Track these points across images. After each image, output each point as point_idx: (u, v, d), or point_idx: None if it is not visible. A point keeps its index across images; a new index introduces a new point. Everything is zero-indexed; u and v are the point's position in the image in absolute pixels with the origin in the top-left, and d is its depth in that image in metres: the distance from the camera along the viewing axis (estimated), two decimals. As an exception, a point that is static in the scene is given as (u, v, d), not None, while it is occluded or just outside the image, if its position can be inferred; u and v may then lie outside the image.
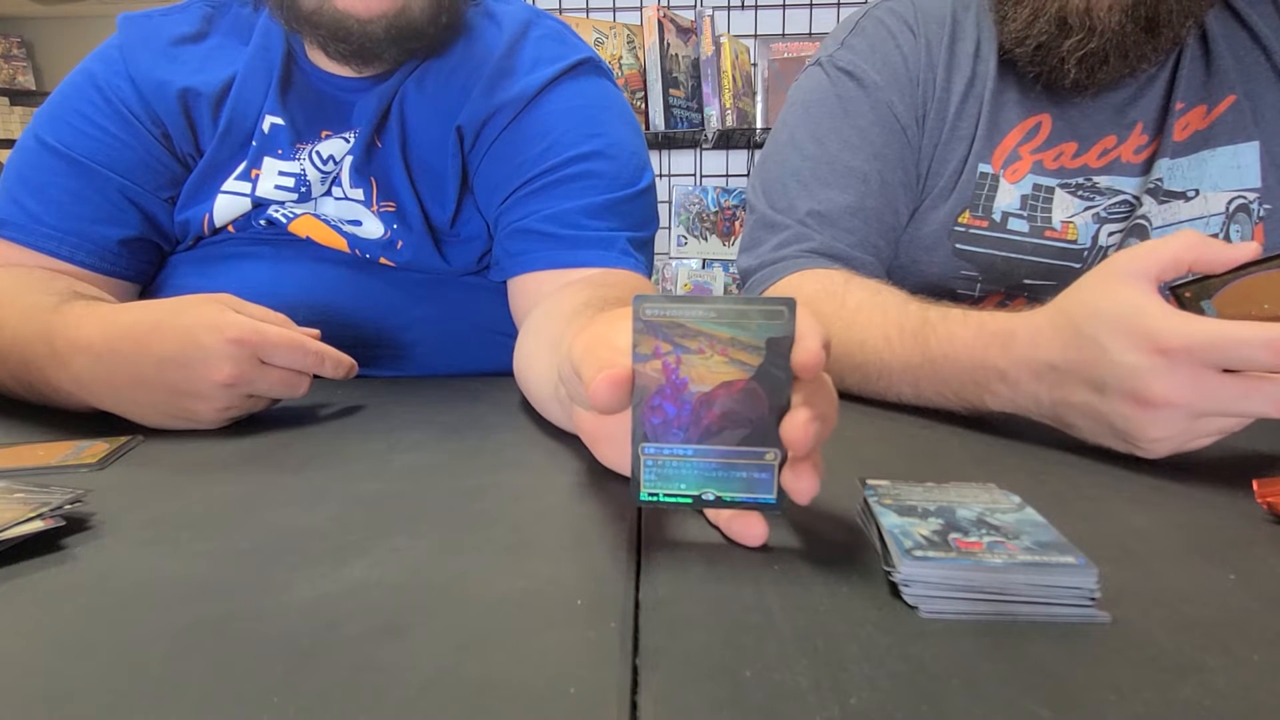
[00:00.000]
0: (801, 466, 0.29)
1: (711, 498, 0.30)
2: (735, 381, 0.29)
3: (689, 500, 0.30)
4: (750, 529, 0.31)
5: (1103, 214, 0.71)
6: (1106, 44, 0.62)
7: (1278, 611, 0.26)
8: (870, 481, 0.35)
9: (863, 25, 0.77)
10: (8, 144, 3.51)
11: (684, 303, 0.28)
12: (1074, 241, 0.72)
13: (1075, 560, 0.26)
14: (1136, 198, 0.71)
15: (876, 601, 0.27)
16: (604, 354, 0.30)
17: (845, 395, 0.61)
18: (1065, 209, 0.72)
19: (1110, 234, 0.71)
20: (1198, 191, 0.70)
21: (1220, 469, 0.42)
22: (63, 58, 3.81)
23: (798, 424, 0.27)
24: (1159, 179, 0.70)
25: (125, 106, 0.66)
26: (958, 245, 0.73)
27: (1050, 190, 0.72)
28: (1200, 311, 0.41)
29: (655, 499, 0.30)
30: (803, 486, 0.29)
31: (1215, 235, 0.70)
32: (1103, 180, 0.71)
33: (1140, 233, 0.71)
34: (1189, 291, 0.41)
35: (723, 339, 0.28)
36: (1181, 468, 0.42)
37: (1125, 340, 0.39)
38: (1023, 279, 0.73)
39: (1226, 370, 0.38)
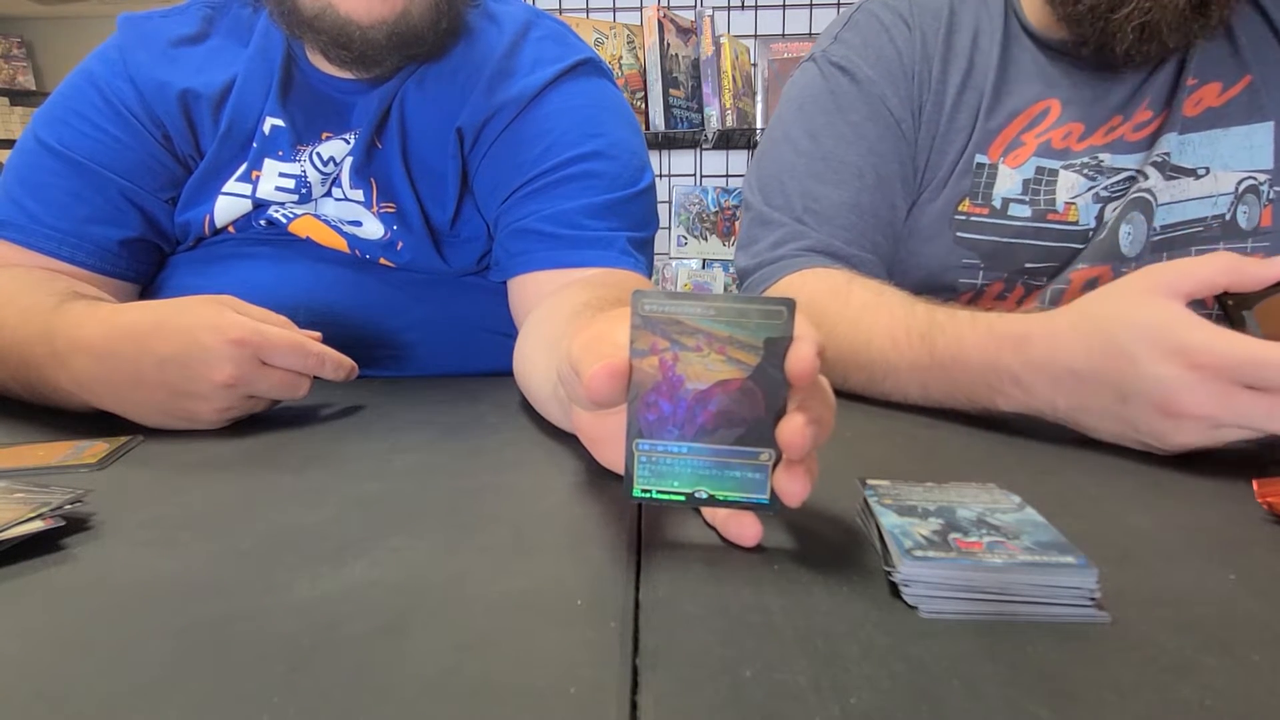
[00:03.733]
0: (794, 469, 0.29)
1: (705, 496, 0.30)
2: (732, 380, 0.28)
3: (682, 498, 0.30)
4: (745, 529, 0.31)
5: (1103, 193, 0.71)
6: (1163, 16, 0.62)
7: (1278, 611, 0.26)
8: (870, 481, 0.35)
9: (856, 19, 0.77)
10: (8, 144, 3.50)
11: (683, 299, 0.28)
12: (1076, 223, 0.71)
13: (1075, 560, 0.26)
14: (1140, 171, 0.70)
15: (876, 601, 0.27)
16: (602, 349, 0.30)
17: (849, 394, 0.61)
18: (1069, 189, 0.71)
19: (1114, 209, 0.71)
20: (1208, 170, 0.70)
21: (1220, 469, 0.42)
22: (63, 58, 3.81)
23: (794, 428, 0.27)
24: (1166, 153, 0.69)
25: (125, 107, 0.66)
26: (959, 233, 0.73)
27: (1054, 172, 0.71)
28: (1242, 320, 0.42)
29: (648, 495, 0.30)
30: (794, 490, 0.29)
31: (1222, 215, 0.70)
32: (1106, 158, 0.71)
33: (1144, 207, 0.70)
34: (1231, 301, 0.42)
35: (721, 337, 0.28)
36: (1181, 468, 0.42)
37: (1157, 352, 0.40)
38: (1024, 263, 0.73)
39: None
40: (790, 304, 0.28)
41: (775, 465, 0.29)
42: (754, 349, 0.28)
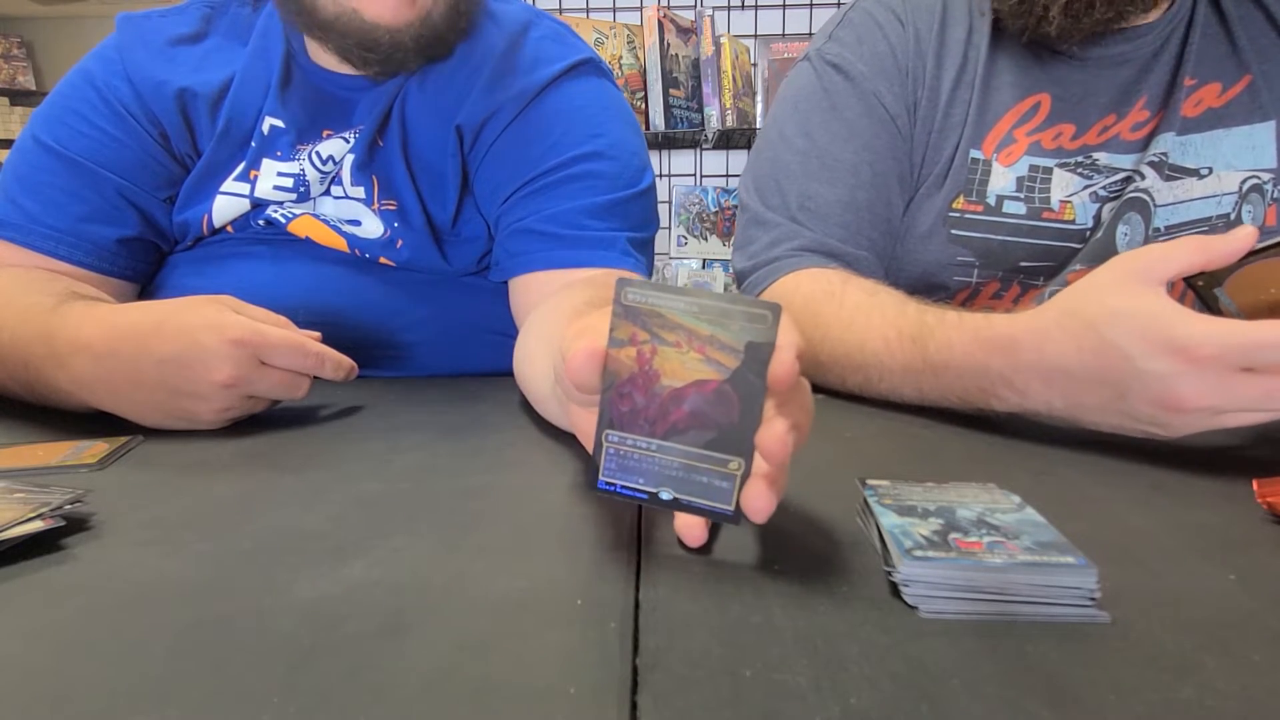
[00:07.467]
0: (764, 484, 0.28)
1: (669, 498, 0.29)
2: (708, 381, 0.27)
3: (645, 496, 0.29)
4: (691, 530, 0.31)
5: (1101, 192, 0.71)
6: None
7: (1278, 611, 0.26)
8: (870, 481, 0.35)
9: (850, 18, 0.77)
10: (8, 144, 3.50)
11: (667, 292, 0.27)
12: (1072, 222, 0.71)
13: (1075, 560, 0.26)
14: (1135, 171, 0.70)
15: (876, 601, 0.27)
16: (588, 337, 0.30)
17: (847, 395, 0.61)
18: (1064, 188, 0.71)
19: (1111, 210, 0.71)
20: (1211, 170, 0.70)
21: (1220, 469, 0.42)
22: (63, 58, 3.81)
23: (775, 435, 0.26)
24: (1163, 153, 0.69)
25: (122, 106, 0.66)
26: (953, 231, 0.73)
27: (1048, 171, 0.71)
28: (1215, 299, 0.42)
29: (612, 489, 0.30)
30: (761, 506, 0.27)
31: (1227, 214, 0.70)
32: (1101, 157, 0.71)
33: (1141, 208, 0.70)
34: (1201, 281, 0.42)
35: (702, 336, 0.27)
36: (1181, 468, 0.42)
37: (1150, 346, 0.40)
38: (1019, 262, 0.73)
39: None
40: (775, 309, 0.27)
41: (743, 476, 0.28)
42: (734, 352, 0.27)
